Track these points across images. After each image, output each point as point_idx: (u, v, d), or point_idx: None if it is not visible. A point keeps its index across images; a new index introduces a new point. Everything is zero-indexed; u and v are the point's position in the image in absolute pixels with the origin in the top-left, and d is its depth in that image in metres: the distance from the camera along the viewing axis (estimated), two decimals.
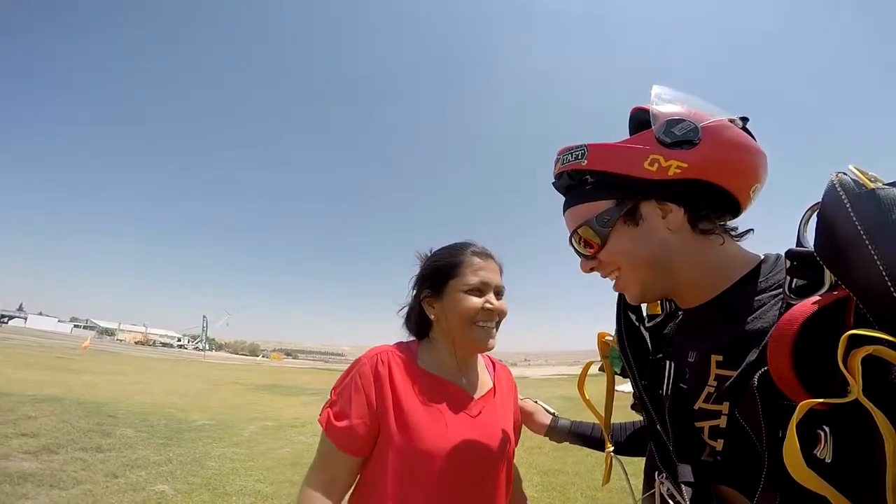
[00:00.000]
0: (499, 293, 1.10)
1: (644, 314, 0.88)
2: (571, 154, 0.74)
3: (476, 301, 1.04)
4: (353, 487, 1.01)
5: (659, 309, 0.88)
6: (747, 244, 0.75)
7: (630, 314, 0.87)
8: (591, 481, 5.24)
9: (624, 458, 0.99)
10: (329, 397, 1.03)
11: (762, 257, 0.71)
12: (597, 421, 1.05)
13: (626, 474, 0.93)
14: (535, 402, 1.27)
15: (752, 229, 0.74)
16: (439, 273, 1.09)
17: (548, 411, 1.23)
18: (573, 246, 0.79)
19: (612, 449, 0.98)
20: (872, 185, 0.49)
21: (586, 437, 1.15)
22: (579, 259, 0.80)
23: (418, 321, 1.13)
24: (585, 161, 0.72)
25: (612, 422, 1.01)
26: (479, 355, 1.17)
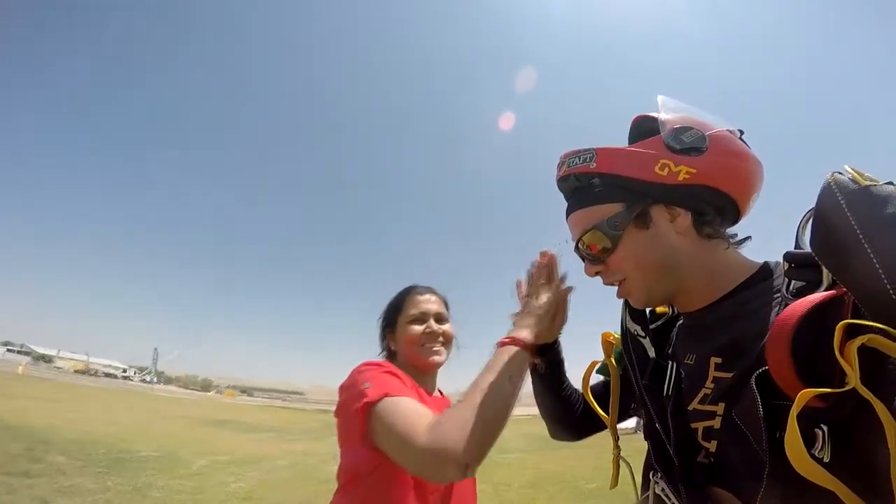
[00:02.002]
0: (439, 319, 1.28)
1: (647, 318, 0.88)
2: (579, 157, 0.75)
3: (417, 328, 1.23)
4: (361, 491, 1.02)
5: (667, 308, 0.88)
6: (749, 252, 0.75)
7: (630, 327, 0.85)
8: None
9: (631, 461, 0.96)
10: (362, 385, 0.97)
11: (762, 263, 0.73)
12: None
13: (634, 478, 0.89)
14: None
15: (751, 236, 0.76)
16: (390, 312, 1.33)
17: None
18: (579, 249, 0.78)
19: (619, 451, 0.94)
20: (866, 183, 0.50)
21: (559, 385, 1.05)
22: (584, 263, 0.80)
23: (387, 354, 1.33)
24: (594, 164, 0.73)
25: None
26: (437, 384, 1.33)
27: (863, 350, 0.43)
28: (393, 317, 1.30)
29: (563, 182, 0.79)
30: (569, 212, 0.79)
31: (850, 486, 0.45)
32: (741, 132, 0.73)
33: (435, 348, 1.24)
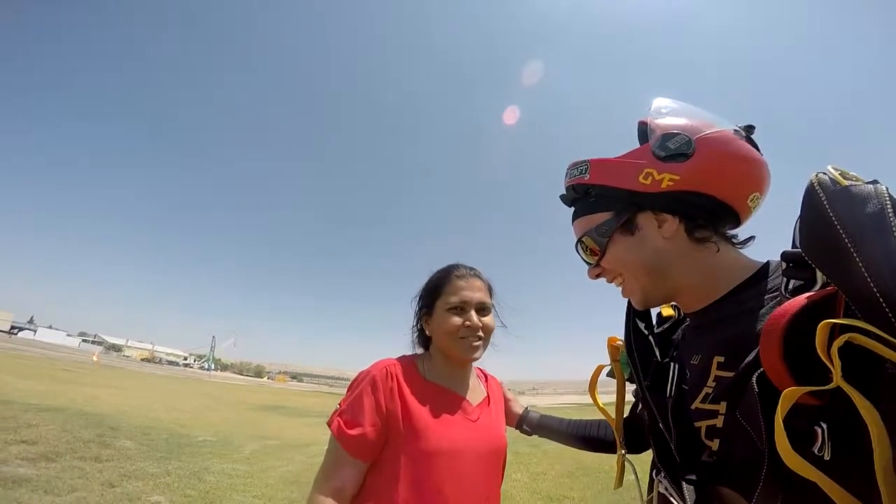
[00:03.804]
0: (481, 310, 1.19)
1: (653, 320, 0.92)
2: (577, 169, 0.80)
3: (456, 319, 1.15)
4: (359, 493, 1.05)
5: (672, 310, 0.92)
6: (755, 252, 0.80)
7: (639, 322, 0.89)
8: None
9: (635, 461, 1.00)
10: (338, 406, 1.09)
11: (763, 263, 0.73)
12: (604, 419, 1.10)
13: (637, 478, 0.93)
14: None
15: (754, 236, 0.77)
16: (428, 293, 1.23)
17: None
18: (579, 254, 0.85)
19: (624, 452, 0.99)
20: (846, 183, 0.51)
21: (554, 430, 1.25)
22: (587, 266, 0.86)
23: (420, 336, 1.28)
24: (588, 175, 0.78)
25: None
26: (473, 368, 1.28)
27: (859, 350, 0.44)
28: (431, 300, 1.21)
29: (565, 193, 0.86)
30: (572, 220, 0.86)
31: (850, 484, 0.45)
32: (749, 129, 0.73)
33: (474, 343, 1.16)
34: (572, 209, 0.86)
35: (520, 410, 1.33)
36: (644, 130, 0.77)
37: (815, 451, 0.47)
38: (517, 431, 1.32)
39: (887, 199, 0.47)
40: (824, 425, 0.47)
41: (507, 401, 1.34)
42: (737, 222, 0.76)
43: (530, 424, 1.29)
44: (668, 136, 0.71)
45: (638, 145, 0.78)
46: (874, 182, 0.50)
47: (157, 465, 5.36)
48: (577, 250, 0.84)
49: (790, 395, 0.47)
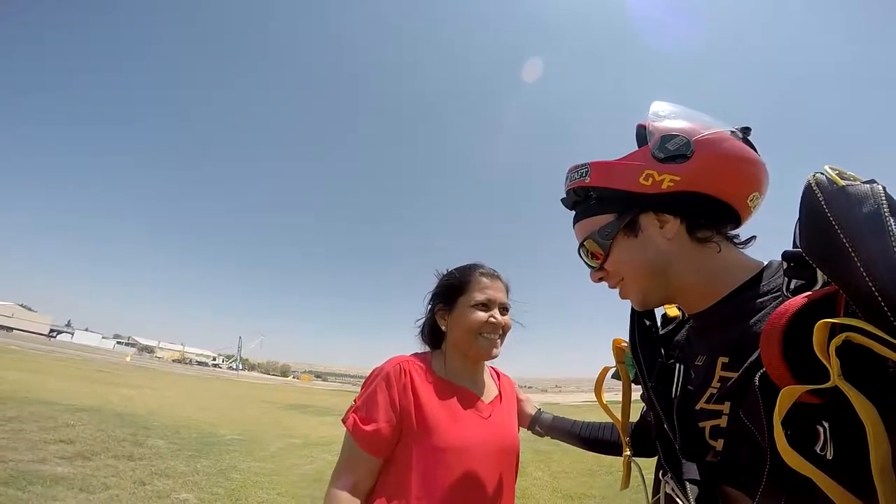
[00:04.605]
0: (503, 309, 1.22)
1: (658, 320, 0.92)
2: (577, 172, 0.80)
3: (481, 315, 1.17)
4: (374, 488, 1.08)
5: (677, 311, 0.92)
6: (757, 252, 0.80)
7: (646, 319, 0.89)
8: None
9: (642, 463, 0.99)
10: (353, 403, 1.12)
11: (765, 263, 0.73)
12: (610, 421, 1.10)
13: (643, 479, 0.93)
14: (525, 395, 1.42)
15: (755, 236, 0.77)
16: (450, 290, 1.24)
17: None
18: (582, 258, 0.85)
19: (629, 453, 0.99)
20: (843, 183, 0.51)
21: (565, 432, 1.25)
22: (589, 270, 0.86)
23: (431, 332, 1.28)
24: (589, 178, 0.78)
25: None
26: (486, 366, 1.30)
27: (860, 349, 0.44)
28: (453, 296, 1.23)
29: (566, 196, 0.86)
30: (573, 223, 0.86)
31: (853, 483, 0.45)
32: (745, 131, 0.74)
33: (495, 340, 1.19)
34: (573, 213, 0.86)
35: (532, 411, 1.33)
36: (642, 134, 0.77)
37: (818, 451, 0.47)
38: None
39: (883, 198, 0.48)
40: (826, 424, 0.47)
41: (519, 401, 1.35)
42: (737, 223, 0.76)
43: (542, 426, 1.29)
44: (666, 137, 0.72)
45: (637, 149, 0.78)
46: (871, 182, 0.51)
47: (186, 463, 5.54)
48: (580, 254, 0.84)
49: (789, 393, 0.48)
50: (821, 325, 0.47)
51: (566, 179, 0.83)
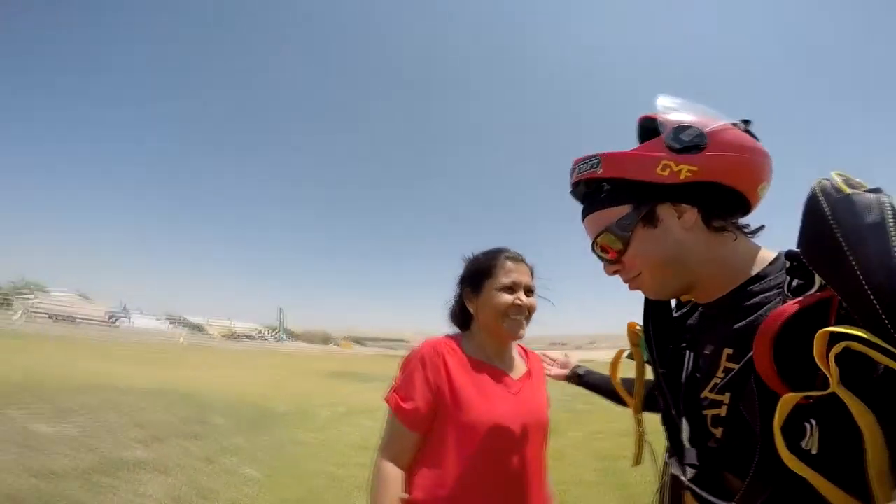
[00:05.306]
0: (528, 291, 1.29)
1: (671, 307, 0.92)
2: (587, 164, 0.78)
3: (507, 297, 1.24)
4: (414, 459, 1.20)
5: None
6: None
7: (656, 309, 0.90)
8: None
9: (654, 441, 1.03)
10: (393, 383, 1.25)
11: (777, 254, 0.74)
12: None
13: (655, 458, 0.97)
14: (565, 354, 1.54)
15: (764, 225, 0.77)
16: (477, 274, 1.31)
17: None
18: (595, 252, 0.83)
19: (642, 430, 1.02)
20: (849, 191, 0.51)
21: (599, 387, 1.37)
22: (602, 264, 0.84)
23: (460, 314, 1.37)
24: (601, 170, 0.76)
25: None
26: (513, 344, 1.38)
27: (852, 354, 0.46)
28: (480, 280, 1.30)
29: (574, 189, 0.85)
30: (583, 216, 0.84)
31: (838, 479, 0.48)
32: (746, 122, 0.74)
33: (521, 321, 1.27)
34: (582, 206, 0.86)
35: (571, 363, 1.48)
36: (645, 127, 0.78)
37: (803, 446, 0.50)
38: (570, 393, 1.40)
39: (889, 208, 0.48)
40: (814, 421, 0.50)
41: (554, 360, 1.52)
42: (746, 212, 0.77)
43: (579, 378, 1.43)
44: (680, 128, 0.71)
45: (637, 143, 0.78)
46: (877, 190, 0.51)
47: (245, 439, 5.97)
48: (593, 249, 0.83)
49: (788, 401, 0.50)
50: (821, 335, 0.48)
51: (573, 172, 0.82)
